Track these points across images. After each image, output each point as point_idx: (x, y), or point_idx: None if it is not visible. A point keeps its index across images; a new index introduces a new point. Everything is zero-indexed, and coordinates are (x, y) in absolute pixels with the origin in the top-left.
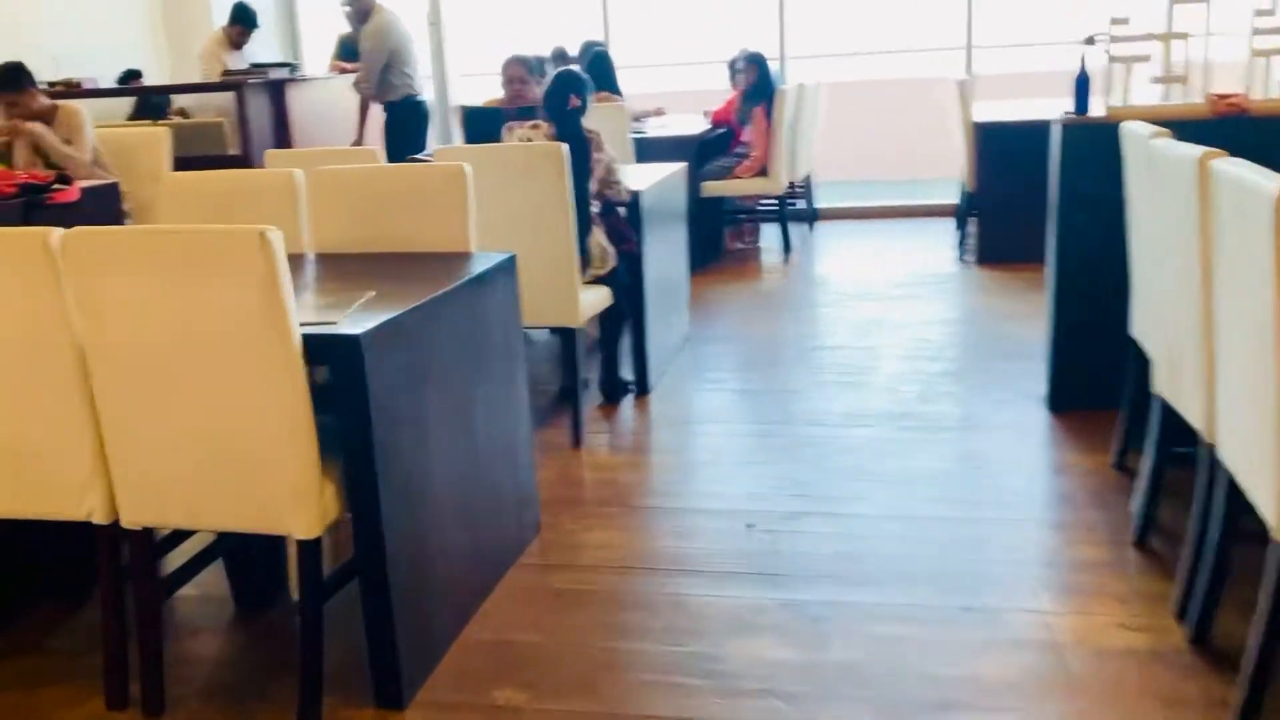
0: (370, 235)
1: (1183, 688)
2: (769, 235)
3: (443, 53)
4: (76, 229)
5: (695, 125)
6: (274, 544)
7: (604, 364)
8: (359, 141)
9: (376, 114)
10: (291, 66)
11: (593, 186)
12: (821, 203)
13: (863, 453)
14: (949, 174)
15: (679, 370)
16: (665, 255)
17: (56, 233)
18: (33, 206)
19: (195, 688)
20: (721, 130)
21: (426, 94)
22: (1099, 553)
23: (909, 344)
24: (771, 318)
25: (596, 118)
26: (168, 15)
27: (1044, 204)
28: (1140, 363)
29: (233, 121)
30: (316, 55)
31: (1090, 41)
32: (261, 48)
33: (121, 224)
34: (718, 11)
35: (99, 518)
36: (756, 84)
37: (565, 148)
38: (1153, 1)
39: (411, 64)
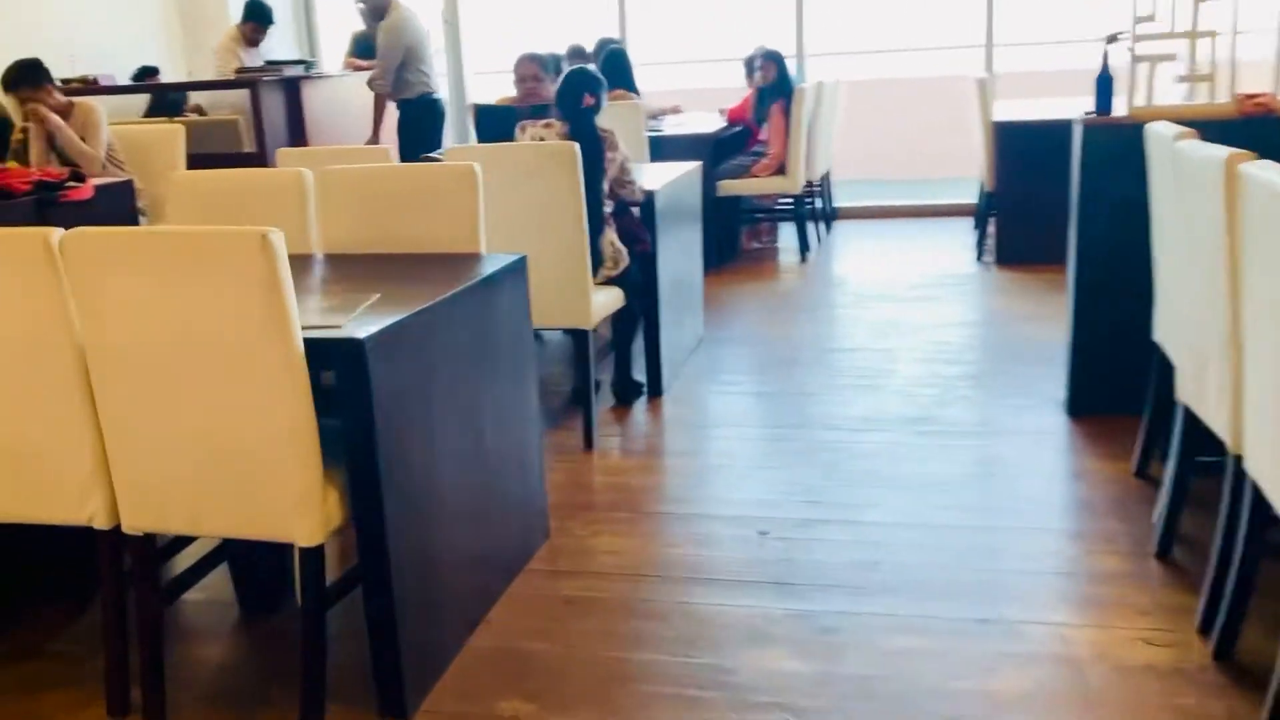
0: (379, 235)
1: (1206, 706)
2: (786, 235)
3: (459, 50)
4: (77, 229)
5: (712, 123)
6: (280, 548)
7: (616, 365)
8: (375, 140)
9: (393, 112)
10: (307, 64)
11: (606, 186)
12: (840, 202)
13: (878, 458)
14: (968, 173)
15: (692, 372)
16: (679, 255)
17: (57, 233)
18: (46, 204)
19: (197, 694)
20: (738, 128)
21: (442, 92)
22: (1119, 564)
23: (927, 346)
24: (787, 319)
25: (612, 116)
26: (184, 12)
27: (1064, 205)
28: (1163, 368)
29: (248, 119)
30: (333, 53)
31: (1113, 39)
32: (278, 45)
33: (136, 221)
34: (735, 9)
35: (100, 522)
36: (775, 82)
37: (577, 147)
38: None
39: (427, 62)
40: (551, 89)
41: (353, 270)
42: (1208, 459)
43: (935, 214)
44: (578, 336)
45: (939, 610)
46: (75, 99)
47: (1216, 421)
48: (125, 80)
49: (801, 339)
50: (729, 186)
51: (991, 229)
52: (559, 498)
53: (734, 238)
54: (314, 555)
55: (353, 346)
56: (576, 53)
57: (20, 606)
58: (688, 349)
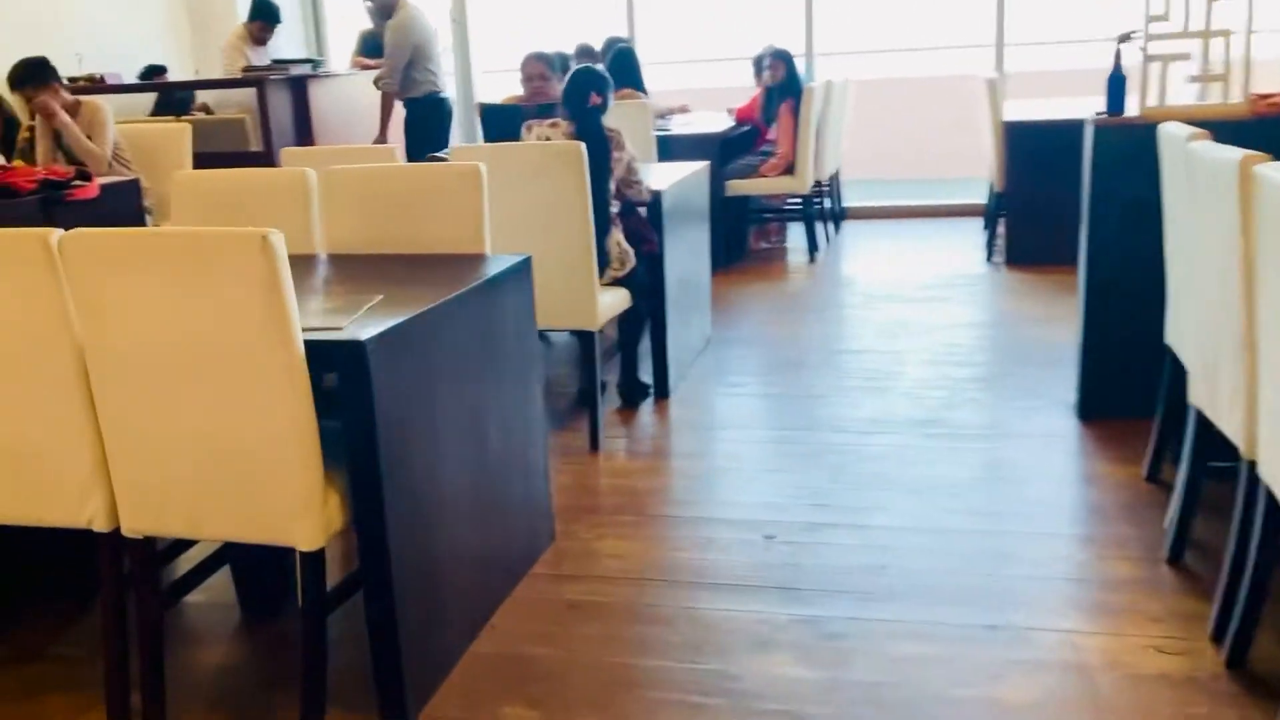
0: (383, 236)
1: (1219, 715)
2: (794, 235)
3: (467, 49)
4: (76, 230)
5: (720, 123)
6: (282, 551)
7: (622, 367)
8: (382, 139)
9: (400, 111)
10: (314, 63)
11: (612, 186)
12: (848, 201)
13: (886, 461)
14: (978, 173)
15: (699, 373)
16: (686, 255)
17: (56, 233)
18: (51, 203)
19: (198, 699)
20: (746, 128)
21: (450, 91)
22: (1131, 569)
23: (936, 348)
24: (796, 319)
25: (619, 115)
26: (192, 10)
27: (1075, 205)
28: (1175, 372)
29: (255, 118)
30: (341, 51)
31: (1126, 38)
32: (286, 43)
33: (142, 220)
34: (744, 8)
35: (100, 525)
36: (783, 81)
37: (583, 146)
38: None
39: (435, 60)
40: (558, 88)
41: (356, 271)
42: (1220, 464)
43: (944, 214)
44: (584, 338)
45: (947, 616)
46: (82, 98)
47: (1229, 426)
48: (132, 79)
49: (810, 340)
50: (737, 186)
51: (1001, 229)
52: (564, 500)
53: (742, 238)
54: (314, 559)
55: (354, 348)
56: (584, 52)
57: (22, 608)
58: (695, 350)
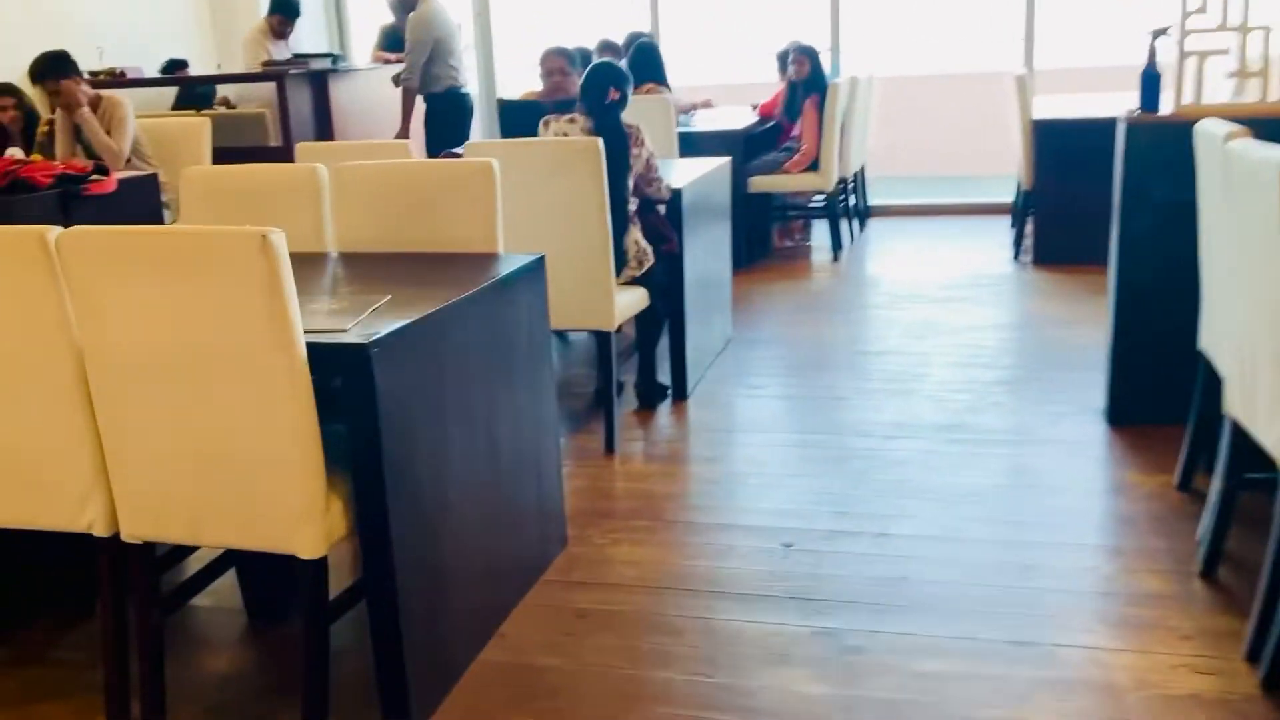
0: (395, 234)
1: None
2: (819, 232)
3: (489, 44)
4: (74, 228)
5: (743, 118)
6: (287, 556)
7: (640, 367)
8: (404, 134)
9: (421, 106)
10: (334, 57)
11: (631, 183)
12: (874, 199)
13: (909, 467)
14: (1005, 171)
15: (719, 374)
16: (706, 254)
17: (54, 231)
18: (69, 197)
19: (199, 706)
20: (770, 124)
21: (471, 86)
22: (1161, 584)
23: (961, 349)
24: (819, 319)
25: (641, 110)
26: (214, 4)
27: (1104, 204)
28: (1209, 378)
29: (275, 112)
30: (363, 46)
31: (1161, 33)
32: (309, 37)
33: (160, 215)
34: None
35: (99, 530)
36: (808, 76)
37: (601, 143)
38: None
39: (456, 55)
40: (578, 83)
41: (366, 270)
42: (1257, 475)
43: (971, 212)
44: (600, 338)
45: (970, 631)
46: (103, 93)
47: (1268, 438)
48: (154, 73)
49: (832, 340)
50: (760, 183)
51: (1029, 228)
52: (578, 504)
53: (765, 235)
54: (316, 567)
55: (356, 352)
56: (606, 47)
57: (25, 611)
58: (714, 350)
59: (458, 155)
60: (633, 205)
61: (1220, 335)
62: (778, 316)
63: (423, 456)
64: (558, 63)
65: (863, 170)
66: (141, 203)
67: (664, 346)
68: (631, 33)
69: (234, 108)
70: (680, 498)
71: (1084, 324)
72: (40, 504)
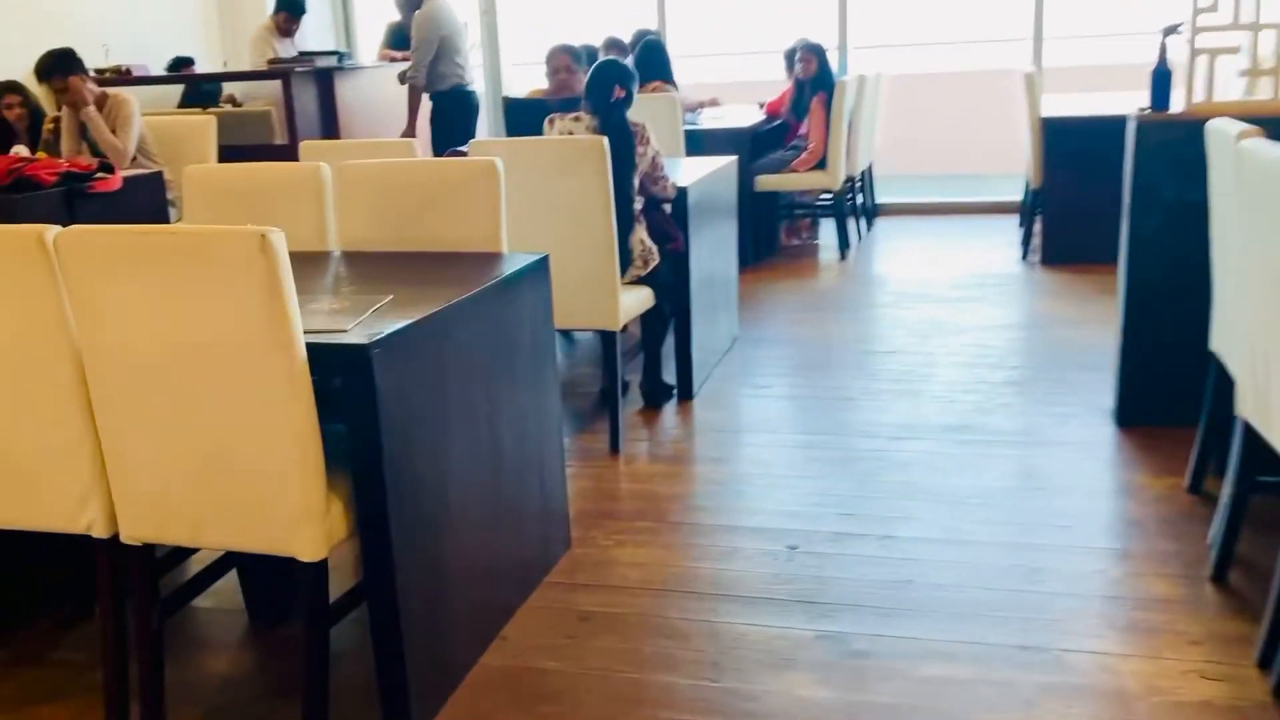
0: (398, 233)
1: None
2: (826, 231)
3: (496, 42)
4: (72, 227)
5: (750, 117)
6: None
7: (645, 367)
8: (410, 132)
9: (428, 105)
10: (340, 55)
11: (636, 182)
12: (881, 198)
13: (915, 468)
14: (1014, 169)
15: (725, 374)
16: (712, 253)
17: (51, 230)
18: (74, 195)
19: (199, 709)
20: (777, 122)
21: (478, 84)
22: (1171, 588)
23: (968, 350)
24: (825, 319)
25: (647, 108)
26: (221, 1)
27: (1113, 203)
28: (1221, 379)
29: (280, 110)
30: (370, 44)
31: (1172, 31)
32: (316, 35)
33: (166, 213)
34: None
35: (98, 531)
36: (816, 74)
37: (606, 141)
38: None
39: (462, 53)
40: (584, 81)
41: (368, 269)
42: (1269, 479)
43: (979, 211)
44: (605, 337)
45: (976, 635)
46: (109, 90)
47: None
48: (159, 71)
49: (839, 340)
50: (767, 182)
51: (1037, 227)
52: (582, 505)
53: (772, 234)
54: (316, 570)
55: (357, 353)
56: (613, 44)
57: (25, 611)
58: (720, 350)
59: (462, 154)
60: (638, 204)
61: (1232, 336)
62: (784, 316)
63: (424, 457)
64: (564, 60)
65: (870, 168)
66: (147, 201)
67: (669, 346)
68: (638, 30)
69: (240, 106)
70: (685, 499)
71: (1093, 324)
72: (39, 505)
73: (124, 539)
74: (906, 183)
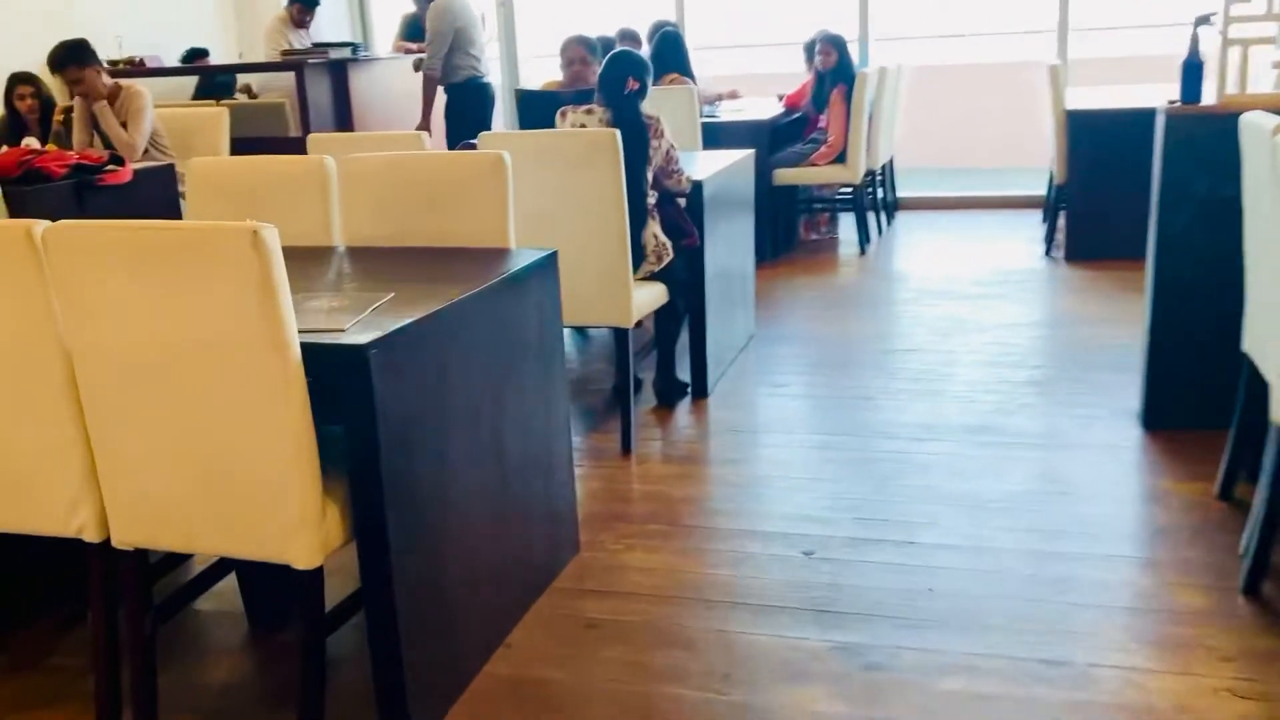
0: (403, 227)
1: None
2: (846, 225)
3: (513, 34)
4: (61, 222)
5: (769, 109)
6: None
7: (659, 365)
8: (425, 125)
9: (443, 97)
10: (354, 46)
11: (650, 176)
12: (902, 192)
13: (935, 471)
14: (1037, 163)
15: (740, 372)
16: (728, 248)
17: (40, 225)
18: (84, 187)
19: (198, 713)
20: (796, 115)
21: (495, 76)
22: (1201, 599)
23: (990, 348)
24: (844, 316)
25: (665, 101)
26: None
27: (1141, 198)
28: (1254, 382)
29: (294, 102)
30: (386, 36)
31: (1204, 21)
32: (331, 27)
33: (177, 206)
34: None
35: (90, 536)
36: (835, 67)
37: (618, 134)
38: None
39: (477, 45)
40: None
41: (372, 265)
42: None
43: (1002, 206)
44: (618, 334)
45: (998, 648)
46: (123, 82)
47: None
48: (174, 62)
49: (858, 337)
50: (786, 175)
51: (1061, 223)
52: (593, 507)
53: (791, 229)
54: (312, 578)
55: (354, 354)
56: (627, 36)
57: (24, 612)
58: (736, 347)
59: (473, 147)
60: (652, 198)
61: (1266, 337)
62: (802, 312)
63: (424, 460)
64: (579, 51)
65: (891, 162)
66: (158, 194)
67: (684, 343)
68: (656, 21)
69: (256, 97)
70: (698, 501)
71: (1118, 323)
72: (29, 508)
73: (116, 544)
74: (928, 176)
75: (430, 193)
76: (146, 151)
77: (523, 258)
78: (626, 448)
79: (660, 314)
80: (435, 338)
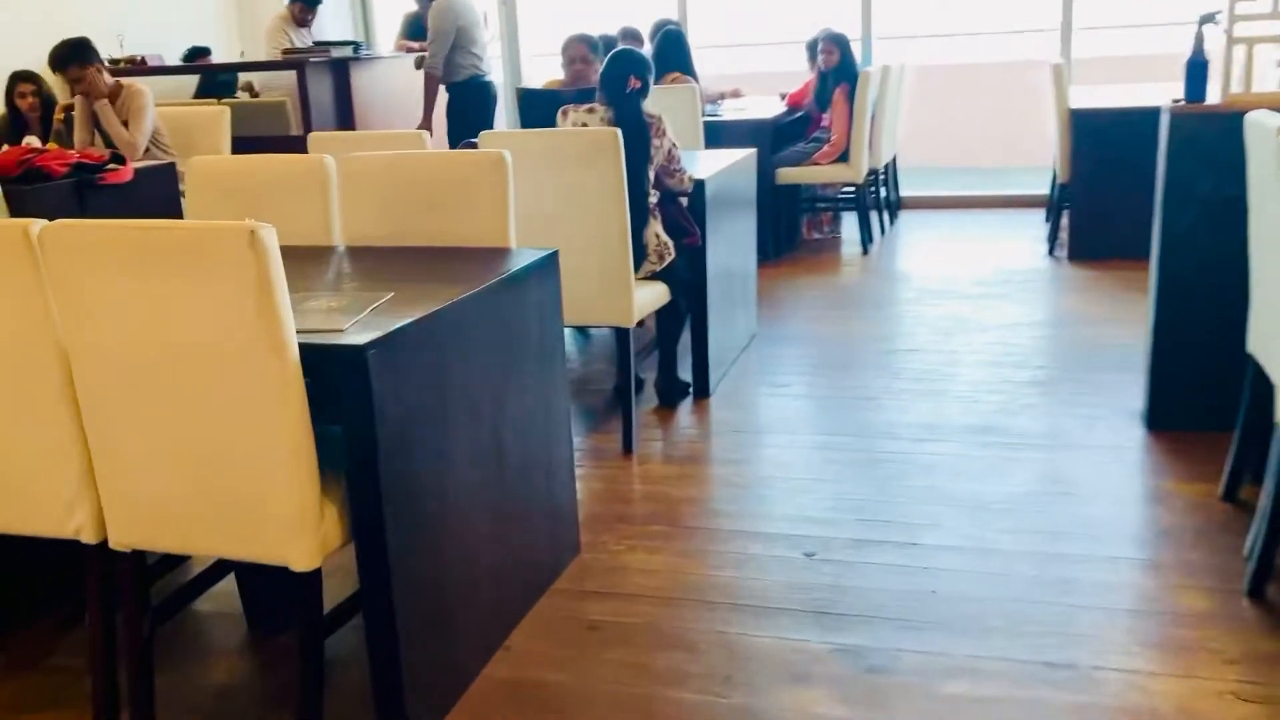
0: (403, 227)
1: None
2: (848, 225)
3: (516, 33)
4: (58, 221)
5: (771, 108)
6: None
7: (660, 364)
8: (426, 124)
9: (444, 96)
10: (356, 45)
11: (651, 175)
12: (905, 191)
13: (938, 472)
14: (1041, 162)
15: (742, 372)
16: (731, 248)
17: (37, 224)
18: (85, 186)
19: (197, 715)
20: (799, 114)
21: (497, 75)
22: (1205, 602)
23: (993, 348)
24: (847, 315)
25: (667, 100)
26: None
27: (1144, 197)
28: (1259, 383)
29: (295, 101)
30: (388, 34)
31: (1208, 19)
32: (334, 25)
33: (179, 205)
34: None
35: (86, 537)
36: (838, 65)
37: (619, 133)
38: None
39: (479, 44)
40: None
41: (372, 264)
42: None
43: (1005, 205)
44: (619, 334)
45: (1000, 650)
46: (124, 81)
47: None
48: (175, 60)
49: (861, 337)
50: (788, 174)
51: (1064, 222)
52: (593, 508)
53: (794, 228)
54: (310, 579)
55: (352, 354)
56: (628, 34)
57: (24, 612)
58: (738, 347)
59: (474, 146)
60: (653, 197)
61: (1271, 337)
62: (805, 312)
63: (423, 461)
64: (580, 50)
65: (894, 161)
66: (159, 193)
67: (685, 343)
68: (658, 20)
69: (257, 96)
70: (700, 502)
71: (1122, 323)
72: (26, 509)
73: (113, 545)
74: (931, 176)
75: (430, 192)
76: (148, 150)
77: (523, 257)
78: (628, 448)
79: (662, 313)
80: (435, 338)
